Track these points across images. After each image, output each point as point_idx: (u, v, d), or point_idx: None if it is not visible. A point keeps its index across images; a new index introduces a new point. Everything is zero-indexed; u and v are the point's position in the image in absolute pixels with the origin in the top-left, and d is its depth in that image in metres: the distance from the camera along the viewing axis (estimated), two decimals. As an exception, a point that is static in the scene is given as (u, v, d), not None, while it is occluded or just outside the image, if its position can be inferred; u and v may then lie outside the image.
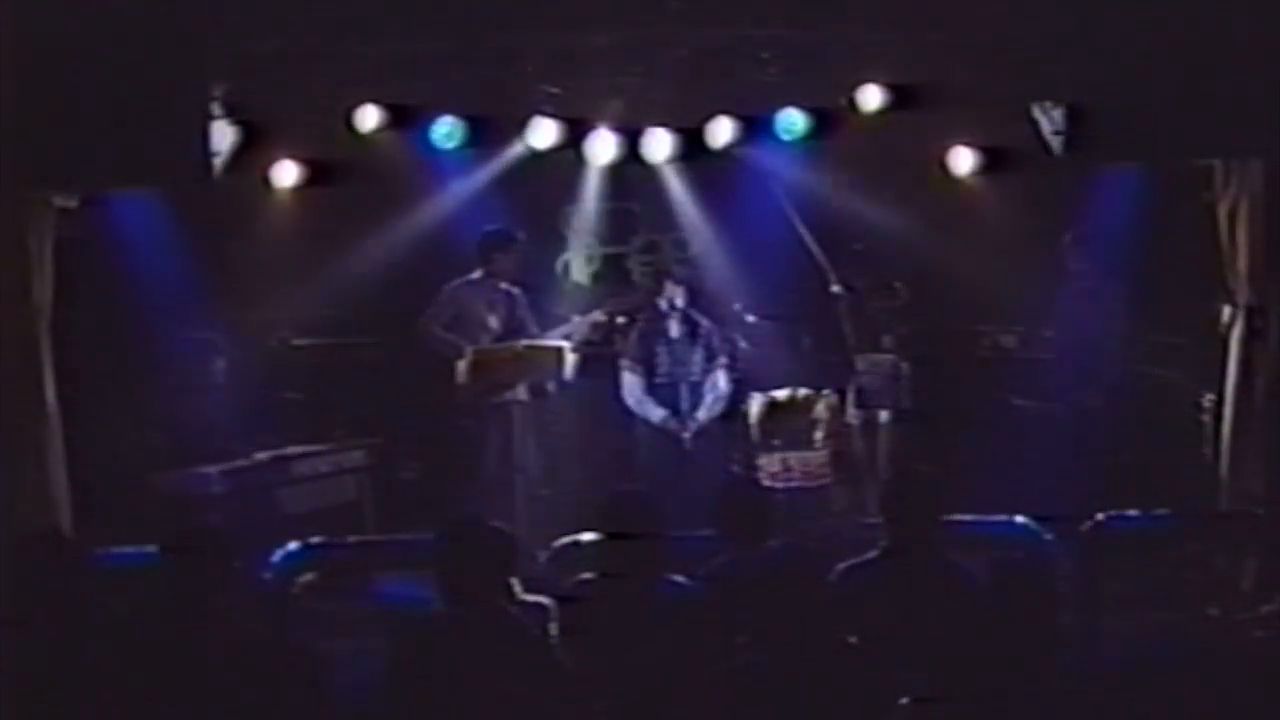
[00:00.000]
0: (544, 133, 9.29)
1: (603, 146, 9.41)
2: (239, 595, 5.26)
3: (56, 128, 8.07)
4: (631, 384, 9.09)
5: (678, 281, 9.15)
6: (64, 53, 7.93)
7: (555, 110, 9.42)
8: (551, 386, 9.23)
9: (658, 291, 9.28)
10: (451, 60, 8.96)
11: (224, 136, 9.19)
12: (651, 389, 9.08)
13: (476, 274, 9.29)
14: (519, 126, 9.43)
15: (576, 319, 9.40)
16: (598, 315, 9.44)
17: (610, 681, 5.22)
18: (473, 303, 9.26)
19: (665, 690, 5.05)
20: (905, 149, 9.42)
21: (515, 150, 9.68)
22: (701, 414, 9.05)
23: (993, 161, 9.39)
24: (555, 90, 9.38)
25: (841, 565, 5.66)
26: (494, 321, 9.25)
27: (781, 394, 9.11)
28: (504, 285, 9.32)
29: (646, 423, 9.08)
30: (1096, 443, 9.06)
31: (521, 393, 9.05)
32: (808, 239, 9.30)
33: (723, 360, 9.09)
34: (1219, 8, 7.98)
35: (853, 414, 9.11)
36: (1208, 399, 8.75)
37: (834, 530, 8.29)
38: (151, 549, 5.49)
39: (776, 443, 8.98)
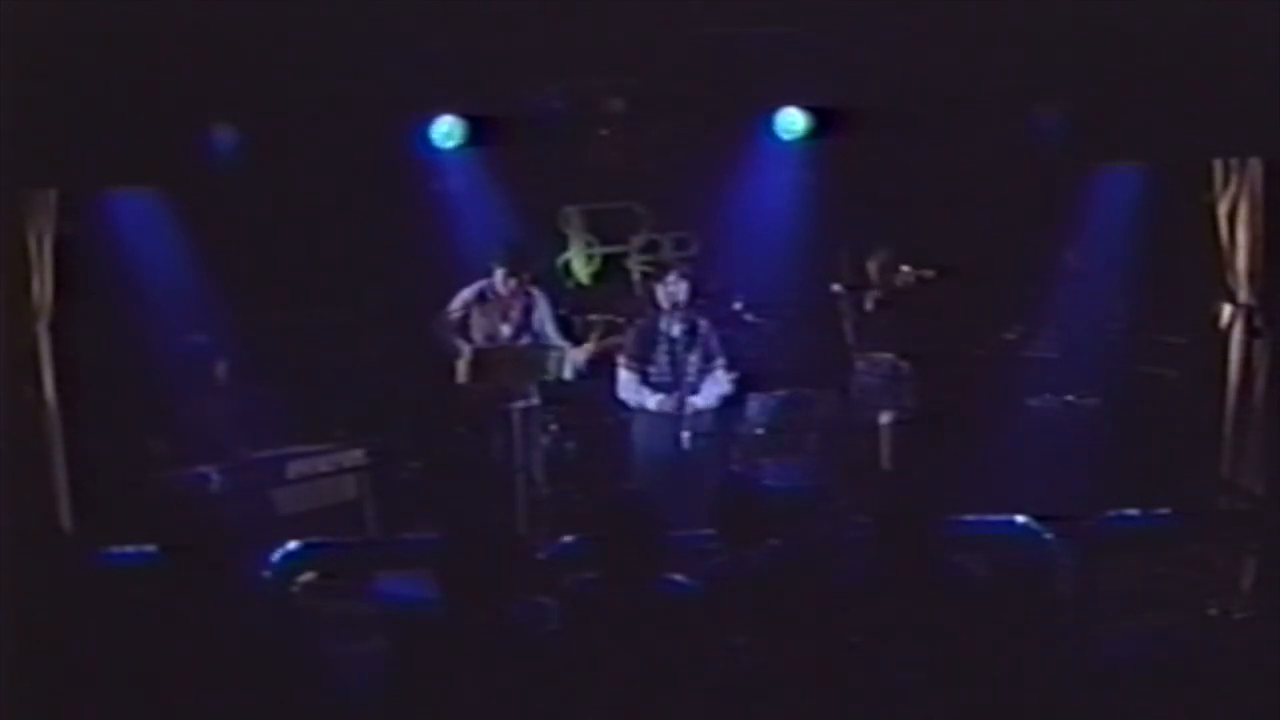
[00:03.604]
0: (543, 132, 9.30)
1: (603, 146, 9.41)
2: (239, 595, 5.26)
3: (57, 127, 8.08)
4: (627, 379, 9.08)
5: (677, 280, 9.13)
6: (65, 52, 7.93)
7: (555, 110, 9.43)
8: (552, 386, 9.22)
9: (654, 292, 9.27)
10: (451, 60, 8.96)
11: (224, 136, 9.21)
12: (647, 383, 9.06)
13: (493, 280, 9.21)
14: (519, 126, 9.43)
15: (576, 358, 9.31)
16: (590, 347, 9.39)
17: (610, 681, 5.21)
18: (486, 311, 9.20)
19: (665, 690, 5.04)
20: (905, 148, 9.42)
21: (515, 149, 9.70)
22: (700, 402, 9.02)
23: (991, 161, 9.40)
24: (555, 90, 9.39)
25: (841, 565, 5.66)
26: (507, 330, 9.20)
27: (781, 394, 9.11)
28: (524, 289, 9.24)
29: (645, 416, 9.04)
30: (1097, 443, 9.07)
31: (533, 397, 9.04)
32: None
33: (720, 362, 9.06)
34: (1219, 8, 7.98)
35: (853, 414, 9.11)
36: (1207, 399, 8.76)
37: (834, 530, 8.29)
38: (151, 549, 5.49)
39: (775, 443, 8.97)
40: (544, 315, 9.29)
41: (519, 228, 9.83)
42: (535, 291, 9.30)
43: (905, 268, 8.94)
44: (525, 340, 9.21)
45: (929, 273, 8.91)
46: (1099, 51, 8.51)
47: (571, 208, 10.50)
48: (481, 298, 9.18)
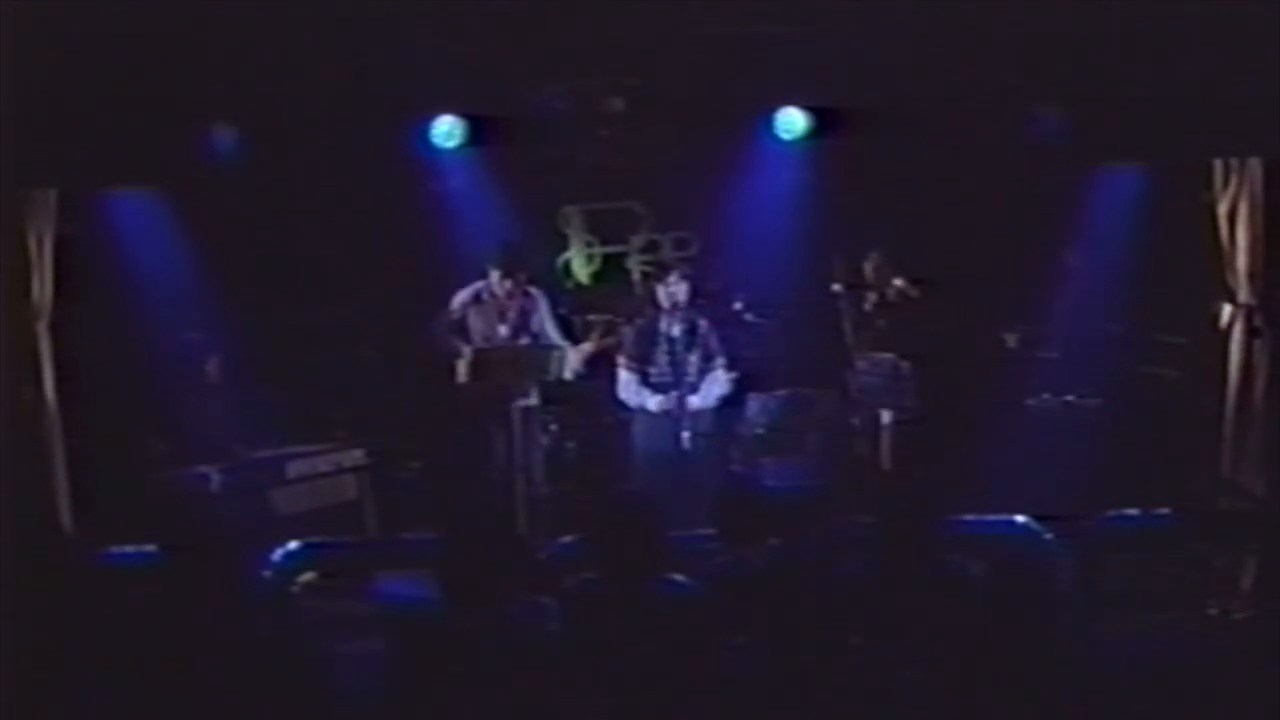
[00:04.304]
0: (543, 133, 9.29)
1: (603, 146, 9.41)
2: (239, 595, 5.26)
3: (57, 127, 8.08)
4: (627, 380, 9.09)
5: (678, 281, 9.12)
6: (65, 52, 7.93)
7: (555, 110, 9.43)
8: (552, 386, 9.21)
9: (654, 292, 9.27)
10: (451, 60, 8.96)
11: (224, 136, 9.21)
12: (646, 383, 9.07)
13: (489, 281, 9.19)
14: (519, 126, 9.43)
15: (576, 358, 9.30)
16: (589, 347, 9.38)
17: (610, 681, 5.22)
18: (484, 312, 9.18)
19: (665, 690, 5.05)
20: (905, 148, 9.42)
21: (515, 149, 9.69)
22: (699, 401, 9.03)
23: (991, 161, 9.39)
24: (555, 90, 9.39)
25: (841, 565, 5.66)
26: (504, 331, 9.18)
27: (781, 394, 9.11)
28: (522, 290, 9.22)
29: (645, 416, 9.05)
30: (1097, 442, 9.07)
31: (533, 397, 9.03)
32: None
33: (720, 361, 9.07)
34: (1219, 8, 7.98)
35: (853, 414, 9.11)
36: (1207, 399, 8.76)
37: (834, 530, 8.28)
38: (151, 549, 5.50)
39: (775, 443, 8.97)
40: (543, 315, 9.28)
41: (519, 228, 9.83)
42: (534, 292, 9.29)
43: (898, 281, 8.96)
44: (523, 341, 9.20)
45: (915, 291, 8.92)
46: (1099, 51, 8.51)
47: (571, 208, 10.49)
48: (477, 299, 9.16)
